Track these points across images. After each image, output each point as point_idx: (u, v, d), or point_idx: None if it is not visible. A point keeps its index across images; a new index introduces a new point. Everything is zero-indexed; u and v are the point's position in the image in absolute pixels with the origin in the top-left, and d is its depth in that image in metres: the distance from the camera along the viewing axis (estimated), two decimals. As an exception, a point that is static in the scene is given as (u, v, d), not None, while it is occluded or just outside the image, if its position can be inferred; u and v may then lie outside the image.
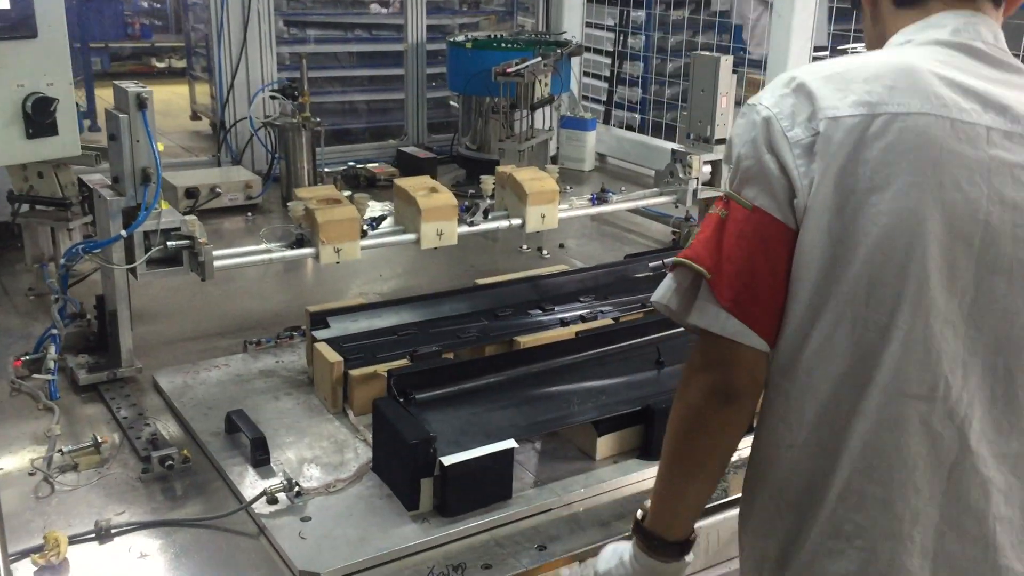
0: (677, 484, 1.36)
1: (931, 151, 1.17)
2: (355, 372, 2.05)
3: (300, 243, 2.35)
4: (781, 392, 1.27)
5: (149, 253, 2.15)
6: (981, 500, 1.22)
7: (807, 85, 1.23)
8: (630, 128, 4.64)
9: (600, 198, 2.90)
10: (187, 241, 2.19)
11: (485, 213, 2.58)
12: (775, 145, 1.22)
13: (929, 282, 1.17)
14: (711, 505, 1.81)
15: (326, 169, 3.91)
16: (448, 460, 1.69)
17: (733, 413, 1.28)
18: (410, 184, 2.52)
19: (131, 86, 2.13)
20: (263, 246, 2.35)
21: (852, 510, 1.23)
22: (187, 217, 2.21)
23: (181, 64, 7.83)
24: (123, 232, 2.11)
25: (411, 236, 2.48)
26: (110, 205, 2.14)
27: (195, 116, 6.22)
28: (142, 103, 2.10)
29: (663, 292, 1.30)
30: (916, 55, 1.25)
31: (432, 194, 2.48)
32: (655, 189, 3.08)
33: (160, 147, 2.16)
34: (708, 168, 3.06)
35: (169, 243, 2.17)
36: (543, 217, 2.65)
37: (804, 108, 1.21)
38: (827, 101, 1.20)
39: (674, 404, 1.32)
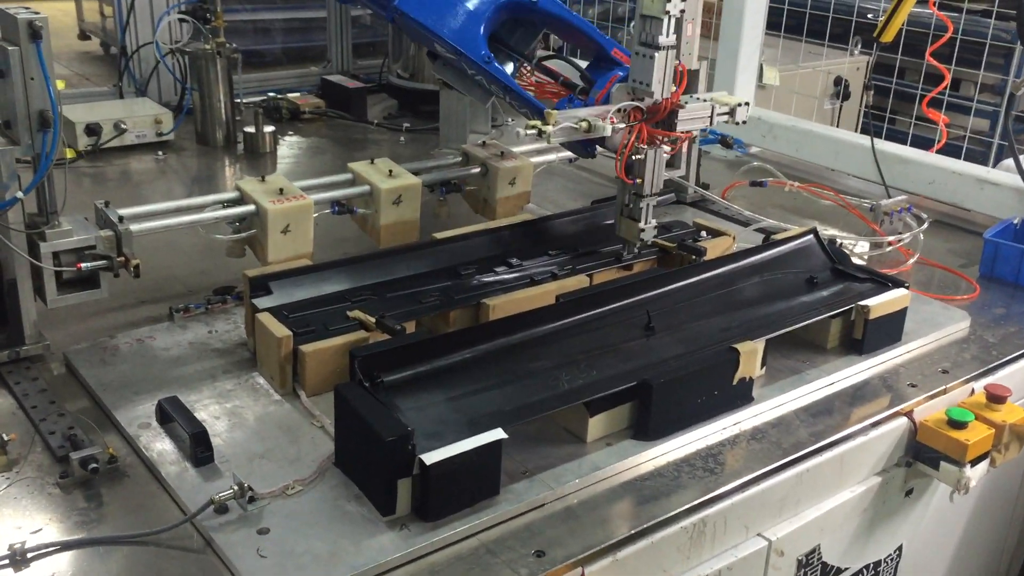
0: None
1: None
2: (307, 348, 1.78)
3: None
4: None
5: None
6: None
7: None
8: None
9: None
10: (104, 262, 1.92)
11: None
12: None
13: None
14: (719, 492, 1.64)
15: (244, 100, 3.54)
16: (429, 458, 1.46)
17: None
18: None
19: (21, 11, 1.77)
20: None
21: None
22: (102, 233, 1.92)
23: (64, -24, 7.15)
24: (20, 193, 1.77)
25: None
26: (2, 156, 1.79)
27: (83, 35, 5.67)
28: (35, 33, 1.75)
29: None
30: None
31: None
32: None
33: (60, 85, 1.82)
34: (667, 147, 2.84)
35: (84, 265, 1.90)
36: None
37: None
38: None
39: None
